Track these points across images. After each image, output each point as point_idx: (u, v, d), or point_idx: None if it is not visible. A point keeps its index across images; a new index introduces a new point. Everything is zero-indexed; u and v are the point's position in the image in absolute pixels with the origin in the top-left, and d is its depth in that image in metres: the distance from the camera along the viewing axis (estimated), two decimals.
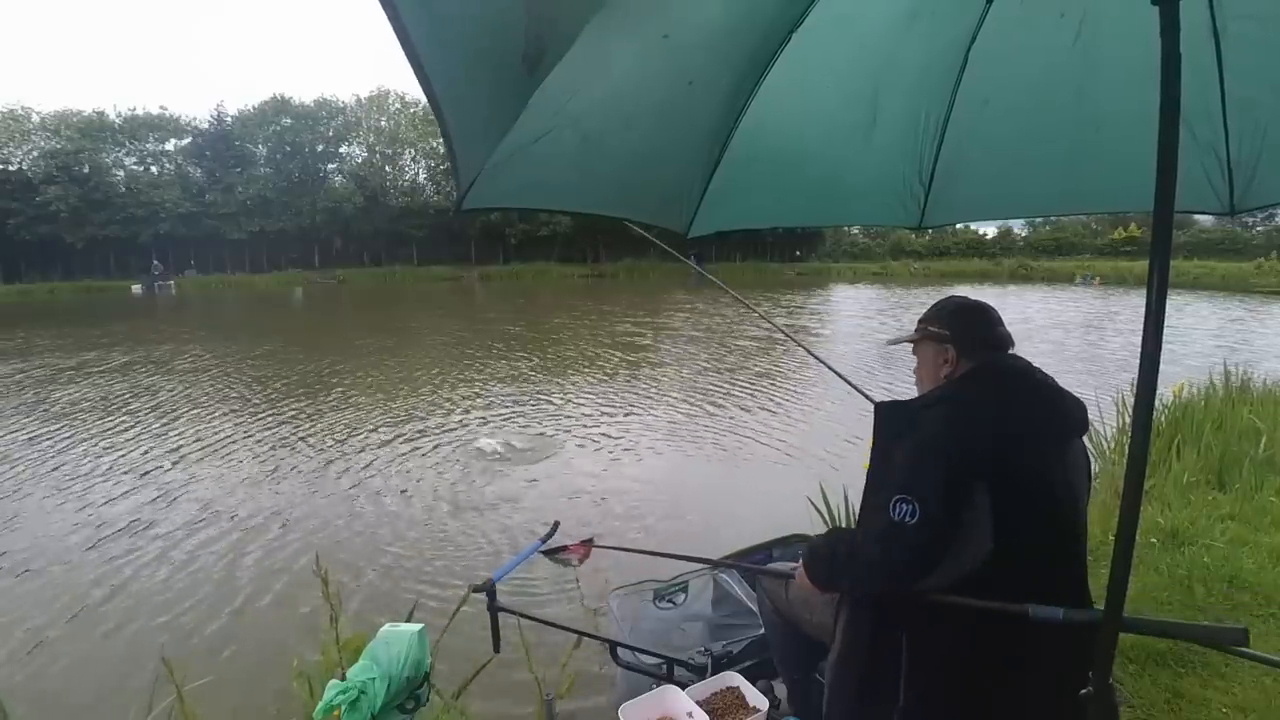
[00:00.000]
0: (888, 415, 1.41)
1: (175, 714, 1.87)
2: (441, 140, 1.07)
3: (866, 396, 2.20)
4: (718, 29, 1.22)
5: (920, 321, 1.51)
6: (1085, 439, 1.44)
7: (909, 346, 1.56)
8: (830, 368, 2.66)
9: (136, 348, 13.28)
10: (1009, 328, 1.47)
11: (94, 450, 6.39)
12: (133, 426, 7.23)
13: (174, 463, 6.00)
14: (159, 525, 4.63)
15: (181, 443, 6.62)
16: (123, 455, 6.24)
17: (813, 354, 2.72)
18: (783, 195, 1.82)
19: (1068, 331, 14.34)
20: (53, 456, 6.21)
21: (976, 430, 1.27)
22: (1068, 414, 1.37)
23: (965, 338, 1.42)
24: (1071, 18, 1.31)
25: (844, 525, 3.51)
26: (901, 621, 1.33)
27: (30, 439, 6.82)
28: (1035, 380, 1.39)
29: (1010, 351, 1.45)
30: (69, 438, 6.81)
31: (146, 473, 5.74)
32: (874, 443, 1.43)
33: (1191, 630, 1.49)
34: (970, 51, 1.47)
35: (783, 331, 3.25)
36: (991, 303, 1.48)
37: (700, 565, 2.29)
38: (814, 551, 1.46)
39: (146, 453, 6.32)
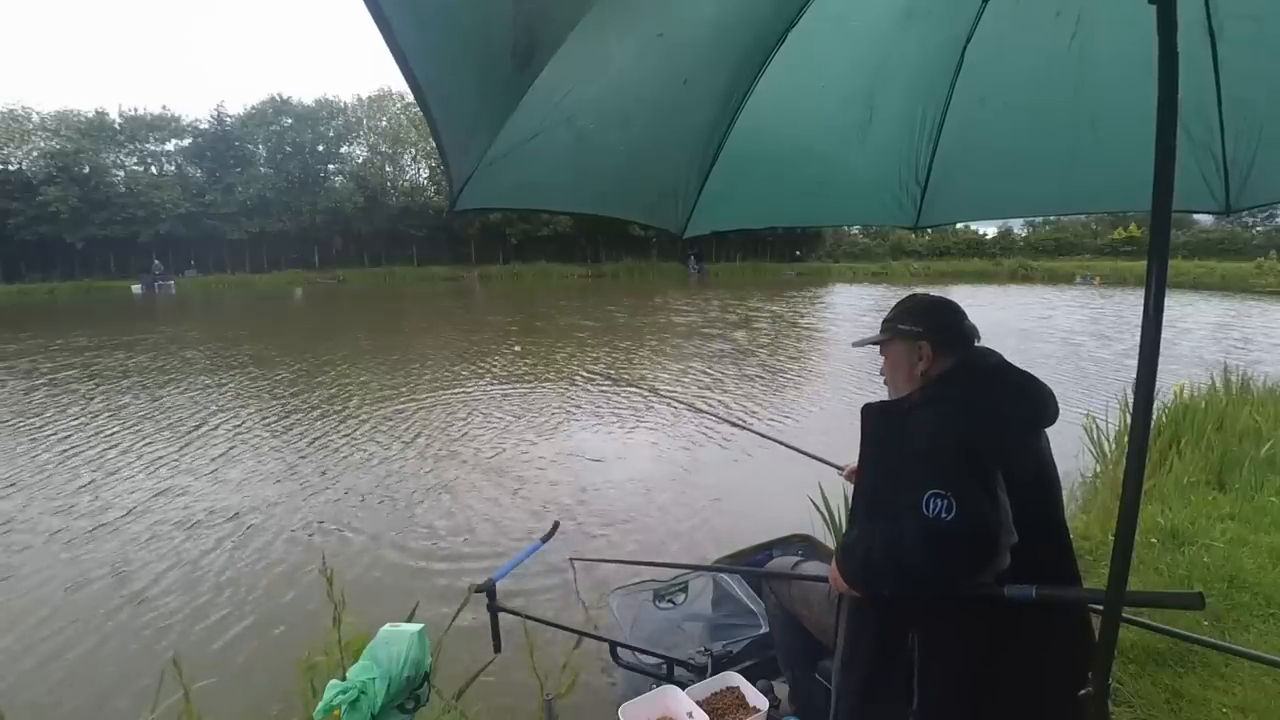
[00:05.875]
0: (878, 417, 1.41)
1: (181, 713, 1.87)
2: None
3: (829, 464, 2.21)
4: (713, 28, 1.22)
5: (886, 322, 1.51)
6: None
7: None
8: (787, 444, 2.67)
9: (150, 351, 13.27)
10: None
11: (85, 450, 6.40)
12: (129, 429, 7.24)
13: (174, 462, 6.00)
14: (159, 524, 4.63)
15: (184, 444, 6.62)
16: (122, 455, 6.24)
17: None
18: (778, 195, 1.82)
19: (1104, 327, 14.28)
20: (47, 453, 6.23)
21: (978, 424, 1.27)
22: (1044, 404, 1.37)
23: (939, 334, 1.42)
24: (1068, 16, 1.31)
25: (844, 525, 3.51)
26: (911, 620, 1.30)
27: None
28: (1015, 372, 1.40)
29: (979, 344, 1.45)
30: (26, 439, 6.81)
31: (146, 474, 5.74)
32: (865, 445, 1.43)
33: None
34: (966, 50, 1.47)
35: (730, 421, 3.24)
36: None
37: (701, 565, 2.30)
38: (847, 555, 1.37)
39: (147, 453, 6.33)
